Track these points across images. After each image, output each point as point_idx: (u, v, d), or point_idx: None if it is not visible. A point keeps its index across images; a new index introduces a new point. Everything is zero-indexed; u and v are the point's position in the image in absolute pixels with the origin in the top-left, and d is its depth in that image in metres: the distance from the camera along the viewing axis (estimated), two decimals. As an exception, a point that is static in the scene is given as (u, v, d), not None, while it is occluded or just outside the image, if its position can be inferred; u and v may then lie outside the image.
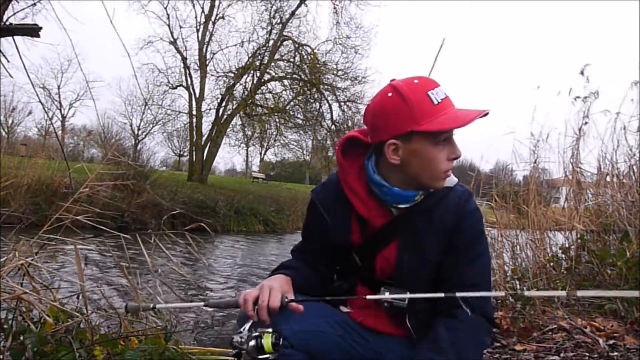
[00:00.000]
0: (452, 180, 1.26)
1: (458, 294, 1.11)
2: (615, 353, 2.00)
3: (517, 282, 3.11)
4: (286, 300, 1.14)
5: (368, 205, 1.26)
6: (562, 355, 2.07)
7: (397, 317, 1.27)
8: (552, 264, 3.22)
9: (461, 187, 1.27)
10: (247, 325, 1.14)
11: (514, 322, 2.49)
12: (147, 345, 1.79)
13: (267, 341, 1.10)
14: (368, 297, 1.19)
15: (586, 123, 3.61)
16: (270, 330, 1.12)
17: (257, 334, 1.11)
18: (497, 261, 3.31)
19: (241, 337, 1.12)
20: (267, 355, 1.11)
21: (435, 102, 1.14)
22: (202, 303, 1.23)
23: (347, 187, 1.28)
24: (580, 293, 0.95)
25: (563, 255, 3.15)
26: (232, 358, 1.16)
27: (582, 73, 3.75)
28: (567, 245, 3.29)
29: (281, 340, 1.12)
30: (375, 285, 1.26)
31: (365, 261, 1.28)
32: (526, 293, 1.21)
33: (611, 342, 2.11)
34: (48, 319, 1.71)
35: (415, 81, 1.17)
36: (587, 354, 2.04)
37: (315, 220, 1.35)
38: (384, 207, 1.25)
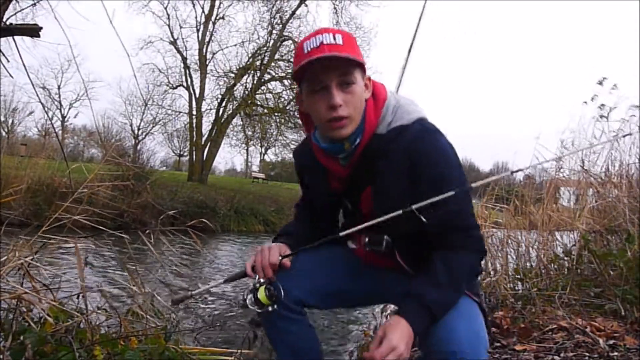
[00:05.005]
0: (407, 116, 1.22)
1: (414, 206, 1.16)
2: (616, 353, 2.00)
3: (520, 283, 3.11)
4: (280, 257, 1.26)
5: (326, 159, 1.29)
6: (562, 355, 2.06)
7: (392, 255, 1.30)
8: (555, 264, 3.22)
9: (419, 125, 1.21)
10: (251, 287, 1.25)
11: (514, 322, 2.49)
12: (147, 345, 1.79)
13: (261, 294, 1.21)
14: (341, 234, 1.27)
15: (614, 136, 3.65)
16: (262, 281, 1.23)
17: (252, 287, 1.23)
18: (500, 261, 3.31)
19: (243, 297, 1.23)
20: (268, 308, 1.22)
21: (306, 51, 1.16)
22: (222, 281, 1.40)
23: (312, 144, 1.32)
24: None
25: (566, 258, 3.15)
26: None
27: (600, 83, 3.77)
28: (569, 246, 3.30)
29: (274, 290, 1.23)
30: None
31: (353, 205, 1.33)
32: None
33: (611, 342, 2.11)
34: (48, 319, 1.71)
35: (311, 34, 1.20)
36: (587, 354, 2.04)
37: (300, 177, 1.45)
38: (334, 160, 1.28)
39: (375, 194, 1.24)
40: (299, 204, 1.54)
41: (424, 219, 1.17)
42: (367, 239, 1.28)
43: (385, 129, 1.22)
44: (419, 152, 1.17)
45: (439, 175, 1.18)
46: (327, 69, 1.15)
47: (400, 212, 1.17)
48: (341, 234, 1.28)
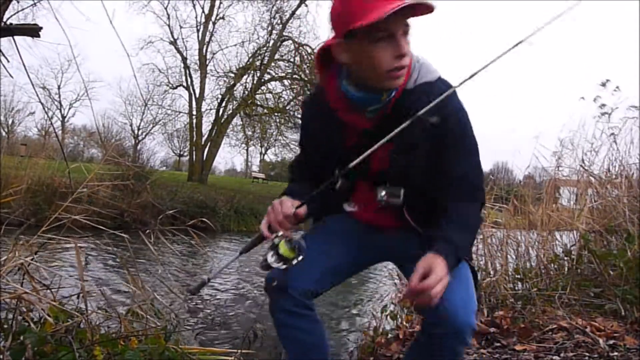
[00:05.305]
0: (429, 74, 1.24)
1: (419, 113, 1.15)
2: (615, 353, 2.00)
3: (520, 283, 3.11)
4: (293, 208, 1.21)
5: (348, 111, 1.27)
6: (562, 355, 2.06)
7: (397, 213, 1.32)
8: (555, 264, 3.22)
9: (441, 83, 1.24)
10: (270, 244, 1.22)
11: (514, 322, 2.49)
12: (147, 345, 1.79)
13: (283, 248, 1.16)
14: (351, 164, 1.22)
15: (612, 134, 3.66)
16: (280, 234, 1.18)
17: (271, 245, 1.17)
18: (500, 261, 3.31)
19: (264, 259, 1.17)
20: (293, 261, 1.17)
21: None
22: (238, 254, 1.31)
23: (329, 96, 1.29)
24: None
25: (566, 258, 3.15)
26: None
27: (603, 85, 3.78)
28: (569, 246, 3.30)
29: (294, 242, 1.18)
30: (374, 182, 1.30)
31: (363, 162, 1.29)
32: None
33: (611, 342, 2.11)
34: (48, 319, 1.71)
35: None
36: (587, 354, 2.04)
37: (309, 131, 1.42)
38: (361, 112, 1.26)
39: (393, 150, 1.25)
40: (293, 165, 1.52)
41: (433, 122, 1.17)
42: (383, 192, 1.29)
43: (412, 84, 1.23)
44: (446, 112, 1.20)
45: (459, 133, 1.23)
46: (395, 17, 1.09)
47: (409, 121, 1.16)
48: (351, 164, 1.23)
